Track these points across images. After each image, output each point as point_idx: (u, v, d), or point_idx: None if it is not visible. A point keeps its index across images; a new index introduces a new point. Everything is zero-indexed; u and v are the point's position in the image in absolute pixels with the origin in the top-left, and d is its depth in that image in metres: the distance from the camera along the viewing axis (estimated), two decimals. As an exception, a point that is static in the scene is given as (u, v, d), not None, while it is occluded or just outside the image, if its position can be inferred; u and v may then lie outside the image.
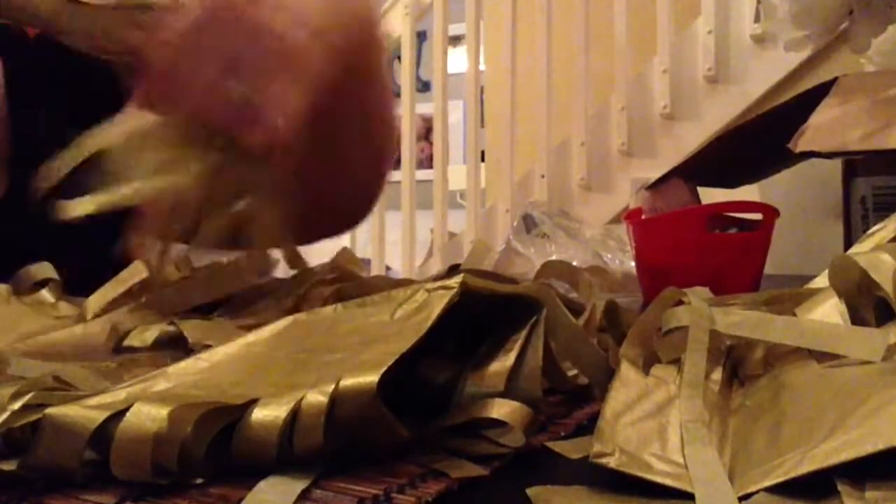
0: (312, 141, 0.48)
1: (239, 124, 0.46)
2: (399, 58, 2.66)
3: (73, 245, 0.53)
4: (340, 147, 0.62)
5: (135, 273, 0.53)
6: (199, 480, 0.27)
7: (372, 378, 0.26)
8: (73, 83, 0.77)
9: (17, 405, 0.28)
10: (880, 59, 0.86)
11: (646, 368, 0.33)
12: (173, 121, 0.46)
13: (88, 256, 0.51)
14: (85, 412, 0.27)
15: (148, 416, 0.26)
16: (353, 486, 0.26)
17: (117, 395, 0.29)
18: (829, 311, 0.34)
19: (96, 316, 0.49)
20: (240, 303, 0.53)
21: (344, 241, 2.69)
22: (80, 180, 0.44)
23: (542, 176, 2.39)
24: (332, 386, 0.27)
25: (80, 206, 0.44)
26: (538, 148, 2.39)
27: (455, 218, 2.61)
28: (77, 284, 0.53)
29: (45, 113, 0.74)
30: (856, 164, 0.71)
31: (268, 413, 0.27)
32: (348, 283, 0.55)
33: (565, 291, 0.51)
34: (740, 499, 0.23)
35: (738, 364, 0.34)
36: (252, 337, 0.35)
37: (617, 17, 2.32)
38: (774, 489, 0.23)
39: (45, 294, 0.54)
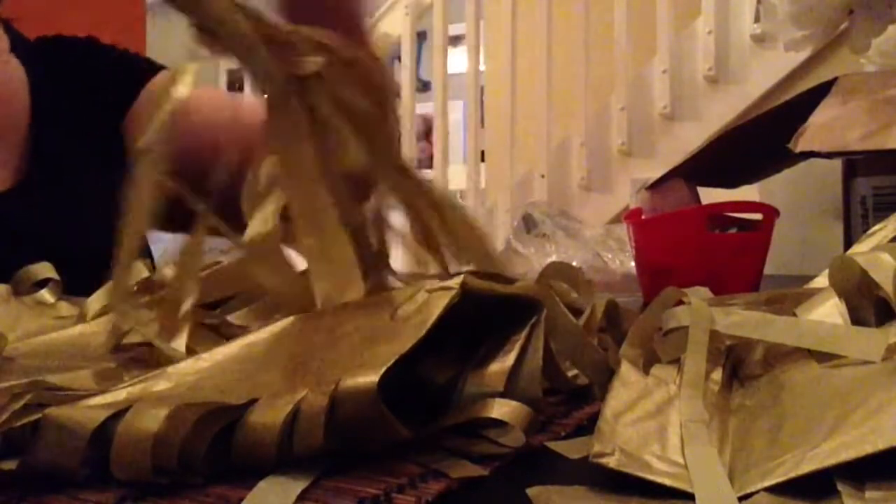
0: None
1: None
2: (399, 58, 2.66)
3: (76, 237, 0.54)
4: None
5: (135, 273, 0.53)
6: (200, 480, 0.27)
7: (372, 378, 0.26)
8: (73, 82, 0.78)
9: (17, 405, 0.28)
10: (880, 59, 0.86)
11: (646, 368, 0.33)
12: None
13: (90, 250, 0.52)
14: (85, 412, 0.27)
15: (148, 416, 0.26)
16: (353, 486, 0.26)
17: (117, 395, 0.29)
18: (829, 311, 0.34)
19: (96, 316, 0.49)
20: (240, 303, 0.53)
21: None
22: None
23: (542, 176, 2.39)
24: (332, 386, 0.27)
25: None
26: (538, 148, 2.39)
27: (455, 218, 2.61)
28: (77, 284, 0.53)
29: (60, 104, 0.76)
30: (856, 164, 0.71)
31: (268, 413, 0.27)
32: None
33: (566, 291, 0.51)
34: (740, 499, 0.23)
35: (738, 364, 0.34)
36: (252, 337, 0.35)
37: (617, 17, 2.32)
38: (774, 489, 0.23)
39: (45, 294, 0.54)
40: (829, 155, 0.67)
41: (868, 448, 0.23)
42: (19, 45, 0.78)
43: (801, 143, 0.64)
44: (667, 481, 0.24)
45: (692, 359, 0.32)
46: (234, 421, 0.27)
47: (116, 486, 0.26)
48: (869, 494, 0.22)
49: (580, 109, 2.35)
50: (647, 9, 2.28)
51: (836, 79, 0.70)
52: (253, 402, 0.27)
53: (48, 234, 0.53)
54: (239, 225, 0.47)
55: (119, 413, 0.27)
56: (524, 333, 0.32)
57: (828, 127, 0.65)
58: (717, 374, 0.33)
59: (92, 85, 0.79)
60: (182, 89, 0.43)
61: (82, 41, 0.82)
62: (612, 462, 0.25)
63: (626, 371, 0.32)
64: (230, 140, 0.79)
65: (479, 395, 0.31)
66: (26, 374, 0.35)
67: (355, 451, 0.28)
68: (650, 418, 0.28)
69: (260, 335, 0.34)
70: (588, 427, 0.32)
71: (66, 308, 0.53)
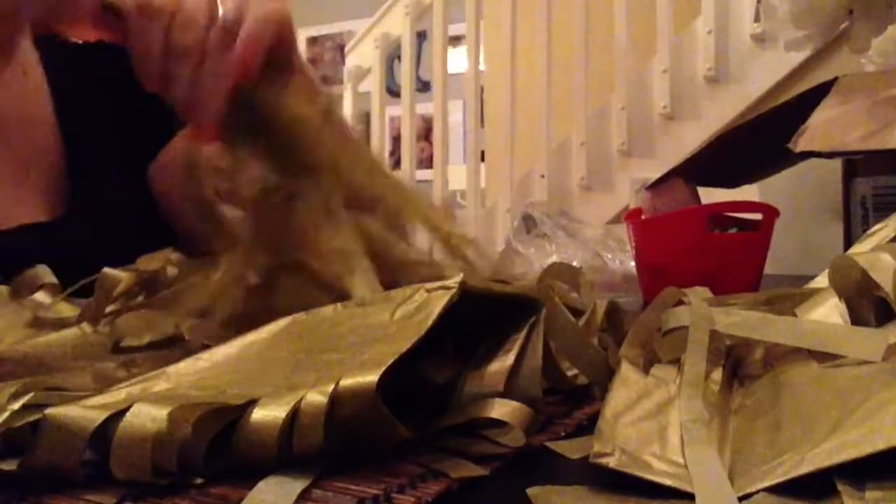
0: None
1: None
2: (399, 58, 2.66)
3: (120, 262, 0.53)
4: None
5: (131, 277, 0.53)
6: (199, 480, 0.27)
7: (372, 378, 0.26)
8: (118, 92, 0.75)
9: (17, 405, 0.28)
10: (880, 59, 0.86)
11: (646, 368, 0.33)
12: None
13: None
14: (85, 412, 0.27)
15: (148, 416, 0.26)
16: (353, 486, 0.26)
17: (117, 395, 0.29)
18: (829, 311, 0.34)
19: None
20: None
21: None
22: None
23: (542, 176, 2.39)
24: (332, 386, 0.27)
25: None
26: (538, 148, 2.39)
27: (455, 218, 2.61)
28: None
29: (90, 121, 0.73)
30: (856, 164, 0.71)
31: (268, 413, 0.27)
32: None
33: (566, 291, 0.51)
34: (740, 499, 0.23)
35: (738, 364, 0.34)
36: (251, 337, 0.35)
37: (617, 17, 2.32)
38: (774, 489, 0.23)
39: (43, 296, 0.54)
40: (829, 155, 0.67)
41: (868, 448, 0.23)
42: (58, 55, 0.73)
43: (801, 143, 0.64)
44: (667, 481, 0.24)
45: (692, 359, 0.32)
46: (234, 421, 0.27)
47: (116, 486, 0.26)
48: (869, 494, 0.22)
49: (580, 109, 2.35)
50: (647, 9, 2.28)
51: (836, 79, 0.70)
52: (253, 402, 0.27)
53: (93, 264, 0.52)
54: None
55: (119, 413, 0.27)
56: (524, 333, 0.32)
57: (828, 127, 0.65)
58: (717, 374, 0.33)
59: (136, 110, 0.72)
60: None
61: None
62: (612, 462, 0.25)
63: (626, 371, 0.32)
64: None
65: (479, 395, 0.31)
66: (26, 375, 0.35)
67: (355, 451, 0.28)
68: (650, 418, 0.28)
69: (260, 335, 0.34)
70: (588, 427, 0.32)
71: (66, 309, 0.53)
